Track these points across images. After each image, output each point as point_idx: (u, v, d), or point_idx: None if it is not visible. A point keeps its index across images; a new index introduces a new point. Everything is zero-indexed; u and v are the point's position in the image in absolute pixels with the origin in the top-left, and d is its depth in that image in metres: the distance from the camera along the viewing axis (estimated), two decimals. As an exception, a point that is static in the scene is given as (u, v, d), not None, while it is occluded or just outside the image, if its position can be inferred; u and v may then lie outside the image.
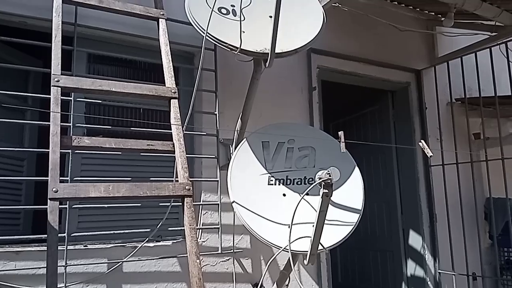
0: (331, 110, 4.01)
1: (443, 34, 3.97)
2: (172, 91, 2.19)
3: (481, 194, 3.89)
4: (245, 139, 2.40)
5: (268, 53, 2.14)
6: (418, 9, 3.78)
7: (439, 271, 3.61)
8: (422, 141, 2.22)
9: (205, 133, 2.73)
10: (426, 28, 4.02)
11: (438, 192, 3.71)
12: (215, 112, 2.74)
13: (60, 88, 1.91)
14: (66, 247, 2.17)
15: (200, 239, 2.62)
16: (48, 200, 1.64)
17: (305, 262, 2.03)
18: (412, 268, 3.78)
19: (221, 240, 2.62)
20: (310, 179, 2.36)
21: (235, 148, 2.45)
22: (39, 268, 2.11)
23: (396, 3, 3.55)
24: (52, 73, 1.96)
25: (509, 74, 3.42)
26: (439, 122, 3.85)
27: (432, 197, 3.73)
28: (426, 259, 3.67)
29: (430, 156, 2.19)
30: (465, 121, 3.75)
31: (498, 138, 3.50)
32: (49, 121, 1.83)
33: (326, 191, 1.78)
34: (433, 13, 3.89)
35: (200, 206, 2.67)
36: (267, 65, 2.20)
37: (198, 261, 1.72)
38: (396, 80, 3.87)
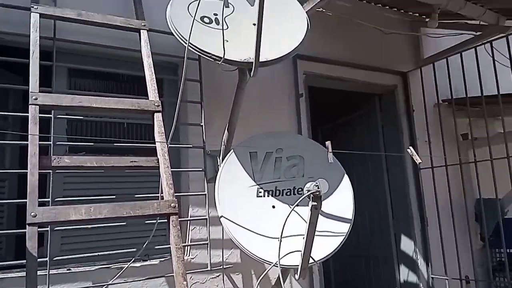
0: (319, 115, 3.97)
1: (428, 36, 3.97)
2: (155, 104, 2.13)
3: (471, 196, 3.88)
4: (232, 150, 2.34)
5: (252, 62, 2.09)
6: (402, 11, 3.79)
7: (432, 276, 3.58)
8: (411, 147, 2.20)
9: (191, 145, 2.66)
10: (411, 29, 4.02)
11: (428, 195, 3.69)
12: (201, 124, 2.68)
13: (38, 106, 1.85)
14: (48, 272, 2.08)
15: (189, 256, 2.54)
16: (27, 226, 1.57)
17: (297, 276, 1.98)
18: (405, 274, 3.75)
19: (210, 256, 2.53)
20: (300, 189, 2.30)
21: (222, 160, 2.39)
22: (21, 294, 2.02)
23: (380, 5, 3.54)
24: (30, 90, 1.89)
25: (495, 73, 3.41)
26: (427, 124, 3.84)
27: (423, 201, 3.71)
28: (419, 264, 3.64)
29: (419, 163, 2.16)
30: (452, 122, 3.75)
31: (486, 138, 3.49)
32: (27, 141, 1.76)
33: (315, 203, 1.73)
34: (417, 15, 3.89)
35: (188, 221, 2.60)
36: (252, 75, 2.15)
37: (185, 282, 1.65)
38: (383, 83, 3.86)
